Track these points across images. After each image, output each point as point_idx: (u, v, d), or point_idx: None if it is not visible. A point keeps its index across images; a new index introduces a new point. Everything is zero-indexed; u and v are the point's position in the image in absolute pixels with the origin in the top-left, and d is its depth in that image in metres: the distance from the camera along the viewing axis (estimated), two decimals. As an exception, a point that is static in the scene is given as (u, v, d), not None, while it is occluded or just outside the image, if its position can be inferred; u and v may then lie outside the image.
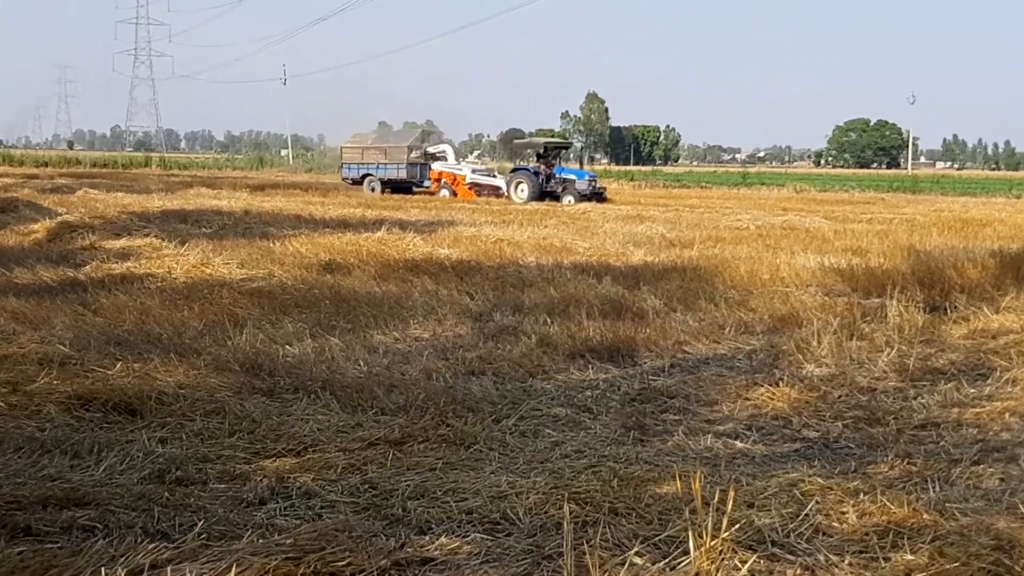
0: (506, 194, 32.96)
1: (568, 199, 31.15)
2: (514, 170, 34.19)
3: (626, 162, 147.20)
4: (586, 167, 38.27)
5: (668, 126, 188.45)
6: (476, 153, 42.33)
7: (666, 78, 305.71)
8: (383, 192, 37.02)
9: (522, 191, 32.32)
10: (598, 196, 32.11)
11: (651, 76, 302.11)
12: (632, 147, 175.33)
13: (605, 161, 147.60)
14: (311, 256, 12.85)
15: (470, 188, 34.54)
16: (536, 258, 13.07)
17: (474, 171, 35.77)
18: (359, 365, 6.85)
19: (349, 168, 39.31)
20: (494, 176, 35.91)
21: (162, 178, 50.55)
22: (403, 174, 37.30)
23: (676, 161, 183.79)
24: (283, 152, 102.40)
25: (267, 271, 11.31)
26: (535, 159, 34.04)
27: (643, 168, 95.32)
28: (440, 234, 16.44)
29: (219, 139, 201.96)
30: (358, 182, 38.42)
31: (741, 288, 10.66)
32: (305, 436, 5.34)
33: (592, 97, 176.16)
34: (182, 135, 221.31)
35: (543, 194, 32.04)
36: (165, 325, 8.02)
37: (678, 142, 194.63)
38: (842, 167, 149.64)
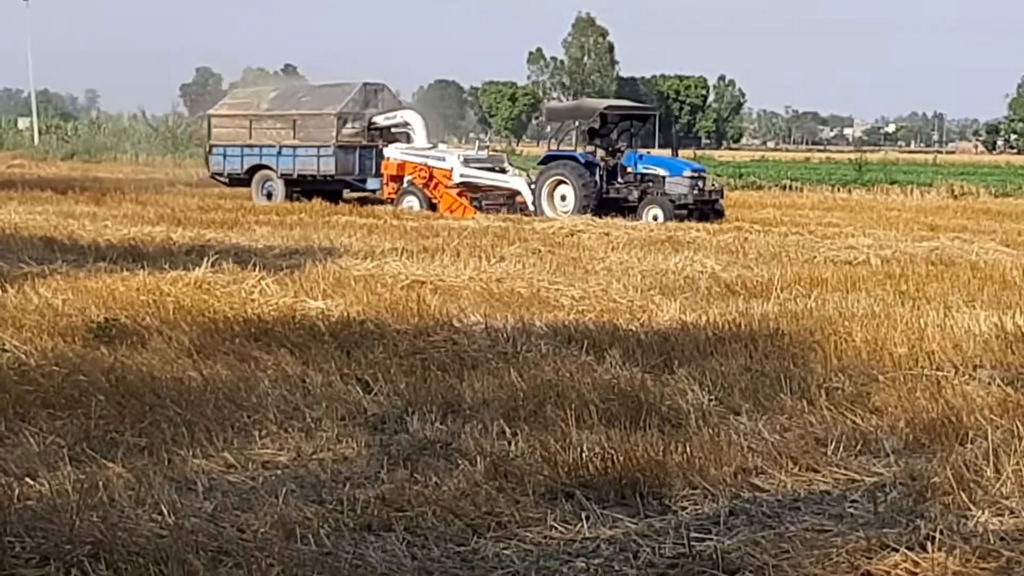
0: (533, 205, 32.34)
1: (653, 213, 30.89)
2: (548, 158, 33.46)
3: (648, 140, 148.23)
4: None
5: (723, 79, 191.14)
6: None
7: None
8: (291, 197, 36.15)
9: (565, 198, 31.91)
10: (710, 207, 31.78)
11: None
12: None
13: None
14: (73, 313, 12.75)
15: (461, 193, 33.31)
16: (485, 316, 13.10)
17: (467, 161, 34.32)
18: (161, 514, 6.78)
19: (225, 155, 38.42)
20: (505, 170, 34.90)
21: None
22: (330, 166, 36.48)
23: (737, 140, 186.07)
24: (22, 123, 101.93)
25: (-10, 341, 11.22)
26: (585, 139, 33.70)
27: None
28: (310, 272, 16.40)
29: None
30: (242, 179, 37.97)
31: (856, 371, 10.72)
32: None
33: (585, 25, 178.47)
34: None
35: (603, 202, 31.75)
36: None
37: (740, 107, 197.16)
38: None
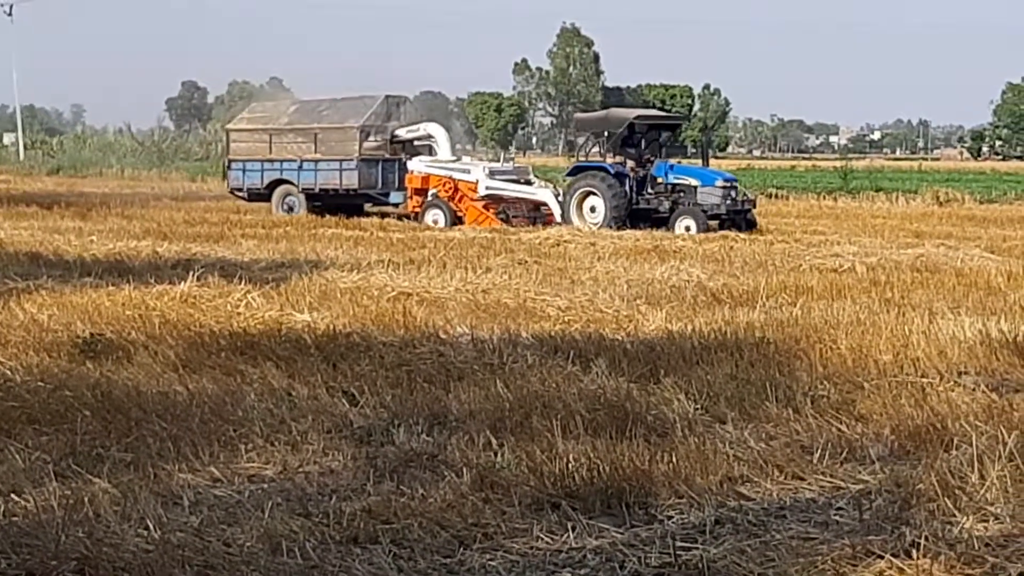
0: (560, 217, 32.07)
1: (686, 224, 30.60)
2: (576, 170, 33.41)
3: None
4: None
5: (708, 87, 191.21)
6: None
7: (703, 4, 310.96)
8: (312, 211, 35.78)
9: (595, 210, 31.58)
10: (742, 217, 31.60)
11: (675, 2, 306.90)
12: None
13: (596, 148, 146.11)
14: (59, 328, 12.74)
15: (487, 206, 33.02)
16: (471, 327, 13.10)
17: (493, 174, 33.98)
18: (147, 529, 6.78)
19: (244, 169, 38.05)
20: (531, 182, 34.57)
21: None
22: (352, 180, 36.02)
23: (723, 149, 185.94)
24: (7, 139, 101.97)
25: (-25, 357, 11.18)
26: (614, 147, 33.31)
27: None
28: (295, 285, 16.40)
29: None
30: (262, 195, 37.56)
31: (841, 379, 10.75)
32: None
33: (570, 36, 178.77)
34: None
35: (634, 213, 31.53)
36: None
37: (725, 115, 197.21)
38: (1021, 158, 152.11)
